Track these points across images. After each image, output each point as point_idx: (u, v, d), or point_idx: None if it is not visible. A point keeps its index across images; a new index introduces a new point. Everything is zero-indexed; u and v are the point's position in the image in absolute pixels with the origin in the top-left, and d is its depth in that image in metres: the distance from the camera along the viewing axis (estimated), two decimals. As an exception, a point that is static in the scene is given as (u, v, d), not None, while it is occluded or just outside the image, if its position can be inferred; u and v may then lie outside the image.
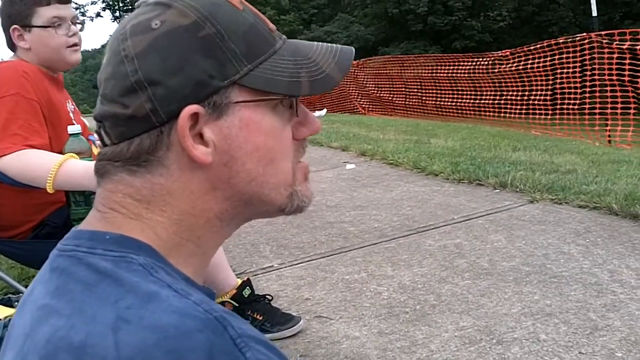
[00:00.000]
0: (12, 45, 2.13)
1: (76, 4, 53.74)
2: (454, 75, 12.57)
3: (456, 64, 12.62)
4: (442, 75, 13.06)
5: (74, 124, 2.12)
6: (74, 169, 1.79)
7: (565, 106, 9.85)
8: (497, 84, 11.39)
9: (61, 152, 1.94)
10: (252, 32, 0.69)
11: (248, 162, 0.69)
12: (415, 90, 14.33)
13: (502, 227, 3.50)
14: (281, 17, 46.96)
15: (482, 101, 11.62)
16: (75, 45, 2.14)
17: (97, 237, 0.66)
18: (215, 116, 0.66)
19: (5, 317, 1.89)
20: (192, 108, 0.65)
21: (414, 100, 14.24)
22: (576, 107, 9.55)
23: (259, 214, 0.75)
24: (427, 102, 13.62)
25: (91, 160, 1.89)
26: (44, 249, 2.07)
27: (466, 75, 12.21)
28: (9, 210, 2.09)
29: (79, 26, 2.16)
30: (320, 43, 0.78)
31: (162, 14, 0.66)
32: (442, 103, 12.96)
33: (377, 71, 16.10)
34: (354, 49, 0.80)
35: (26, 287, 2.73)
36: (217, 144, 0.67)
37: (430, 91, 13.58)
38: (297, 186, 0.75)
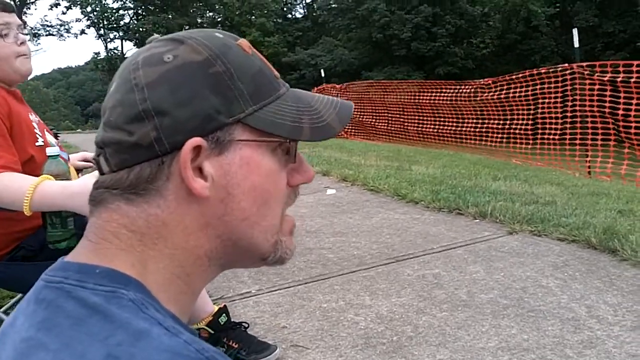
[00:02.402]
0: None
1: (61, 20, 53.63)
2: (437, 101, 12.68)
3: (439, 90, 12.74)
4: (424, 101, 13.16)
5: (37, 136, 2.09)
6: (49, 190, 1.76)
7: (546, 136, 9.94)
8: (479, 112, 11.50)
9: (28, 164, 1.92)
10: (259, 75, 0.71)
11: (244, 200, 0.70)
12: (398, 115, 14.42)
13: (481, 258, 3.50)
14: (265, 39, 47.27)
15: (464, 128, 11.72)
16: (24, 55, 2.08)
17: (87, 270, 0.64)
18: (217, 152, 0.67)
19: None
20: (196, 140, 0.65)
21: (396, 125, 14.33)
22: (557, 137, 9.64)
23: (242, 261, 0.75)
24: (409, 127, 13.70)
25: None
26: (20, 271, 2.04)
27: (448, 102, 12.32)
28: None
29: (27, 36, 2.11)
30: (321, 95, 0.80)
31: (175, 49, 0.68)
32: (424, 129, 13.05)
33: (360, 95, 16.18)
34: (353, 105, 0.82)
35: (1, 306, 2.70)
36: (215, 179, 0.67)
37: (413, 117, 13.68)
38: (282, 236, 0.76)
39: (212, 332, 2.32)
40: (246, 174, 0.69)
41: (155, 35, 0.74)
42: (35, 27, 53.14)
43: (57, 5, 53.58)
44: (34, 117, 2.17)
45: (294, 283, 3.28)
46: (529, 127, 10.23)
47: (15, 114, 2.01)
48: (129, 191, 0.67)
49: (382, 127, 14.80)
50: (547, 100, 9.91)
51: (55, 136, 2.32)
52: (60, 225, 1.85)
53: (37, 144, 2.07)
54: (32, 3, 53.73)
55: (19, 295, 2.62)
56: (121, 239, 0.67)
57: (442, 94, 12.52)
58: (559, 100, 9.71)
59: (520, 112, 10.50)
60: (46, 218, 1.85)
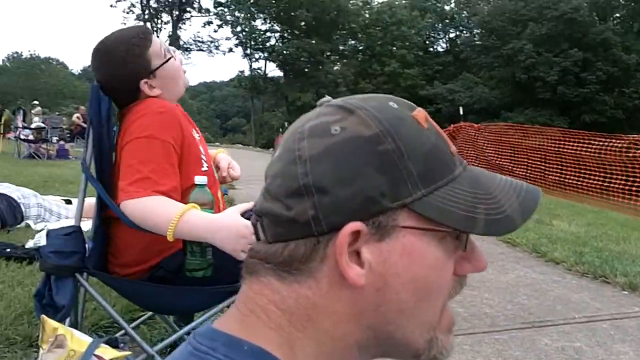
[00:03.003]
0: (131, 99, 2.12)
1: (212, 38, 56.69)
2: (582, 152, 12.00)
3: (585, 140, 12.07)
4: (568, 150, 12.51)
5: (203, 161, 2.14)
6: (194, 220, 1.79)
7: None
8: (630, 168, 10.73)
9: (186, 194, 1.95)
10: (432, 153, 0.63)
11: (402, 292, 0.63)
12: (538, 162, 13.81)
13: (630, 337, 3.20)
14: (405, 71, 47.43)
15: (611, 184, 10.98)
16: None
17: (235, 344, 0.61)
18: (378, 237, 0.61)
19: None
20: (356, 225, 0.60)
21: (535, 172, 13.71)
22: None
23: (392, 353, 0.68)
24: (549, 176, 13.08)
25: (212, 212, 1.88)
26: (156, 293, 2.08)
27: (596, 154, 11.62)
28: (131, 248, 2.11)
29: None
30: (502, 176, 0.70)
31: (344, 120, 0.63)
32: (566, 179, 12.39)
33: (498, 137, 15.69)
34: (540, 191, 0.71)
35: (131, 320, 2.77)
36: (373, 266, 0.61)
37: (554, 165, 13.04)
38: (440, 333, 0.67)
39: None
40: (408, 264, 0.62)
41: (327, 98, 0.70)
42: (188, 42, 56.69)
43: (209, 23, 56.98)
44: (196, 134, 2.23)
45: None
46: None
47: (187, 142, 2.08)
48: (281, 268, 0.63)
49: (521, 172, 14.21)
50: None
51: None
52: (200, 255, 1.89)
53: (202, 169, 2.12)
54: (188, 19, 57.34)
55: (150, 312, 2.68)
56: (270, 316, 0.63)
57: (589, 145, 11.85)
58: None
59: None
60: (187, 246, 1.89)
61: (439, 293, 0.65)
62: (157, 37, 2.19)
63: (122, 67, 2.06)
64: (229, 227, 1.76)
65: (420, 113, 0.66)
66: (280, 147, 0.66)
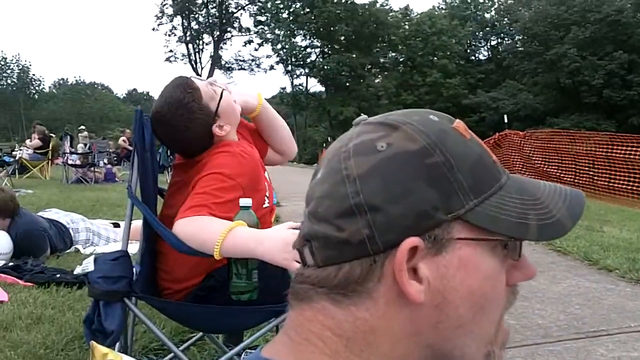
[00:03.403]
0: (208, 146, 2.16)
1: (253, 56, 57.46)
2: (632, 156, 11.71)
3: (634, 143, 11.78)
4: (617, 154, 12.22)
5: (265, 198, 2.18)
6: (241, 234, 1.80)
7: None
8: (681, 171, 10.44)
9: None
10: (479, 163, 0.63)
11: (461, 306, 0.61)
12: (587, 168, 13.52)
13: (690, 346, 3.09)
14: (447, 81, 47.15)
15: (663, 188, 10.69)
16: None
17: None
18: (434, 252, 0.60)
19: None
20: (414, 241, 0.59)
21: (584, 178, 13.42)
22: None
23: None
24: (598, 182, 12.79)
25: None
26: (202, 313, 2.10)
27: (646, 157, 11.33)
28: (182, 263, 2.13)
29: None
30: (545, 182, 0.70)
31: (388, 136, 0.62)
32: (615, 184, 12.10)
33: (544, 143, 15.42)
34: (584, 195, 0.70)
35: (180, 342, 2.81)
36: (431, 282, 0.60)
37: (603, 170, 12.76)
38: (496, 348, 0.66)
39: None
40: (464, 276, 0.61)
41: (363, 117, 0.69)
42: (229, 62, 57.55)
43: (250, 42, 57.68)
44: (267, 175, 2.27)
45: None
46: None
47: (256, 184, 2.11)
48: (336, 291, 0.61)
49: (568, 179, 13.92)
50: None
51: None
52: (246, 277, 1.88)
53: (264, 205, 2.16)
54: (229, 39, 58.18)
55: (200, 333, 2.70)
56: (325, 343, 0.62)
57: (639, 148, 11.56)
58: None
59: None
60: (232, 267, 1.89)
61: (496, 305, 0.65)
62: (199, 75, 2.24)
63: (191, 130, 2.10)
64: (274, 236, 1.77)
65: (460, 124, 0.66)
66: (322, 169, 0.65)
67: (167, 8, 55.66)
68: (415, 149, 0.61)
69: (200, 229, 1.87)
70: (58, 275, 4.18)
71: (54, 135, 16.13)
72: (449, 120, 0.66)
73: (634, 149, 11.69)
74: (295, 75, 54.37)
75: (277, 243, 1.74)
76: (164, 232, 1.97)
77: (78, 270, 4.31)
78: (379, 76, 53.24)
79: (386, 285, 0.60)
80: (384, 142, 0.62)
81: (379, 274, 0.60)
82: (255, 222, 1.91)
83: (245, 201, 1.92)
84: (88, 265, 2.23)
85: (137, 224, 2.32)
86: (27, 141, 16.41)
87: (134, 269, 2.16)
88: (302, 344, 0.63)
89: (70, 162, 14.90)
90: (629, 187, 11.58)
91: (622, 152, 12.04)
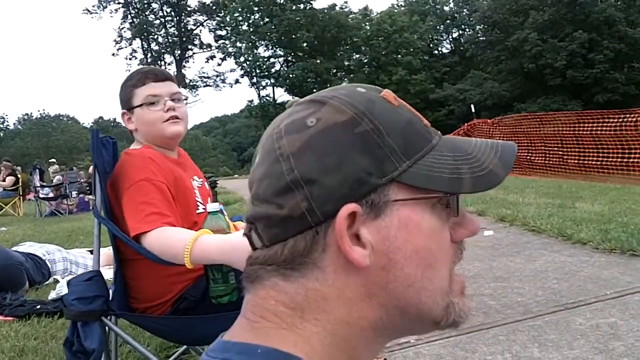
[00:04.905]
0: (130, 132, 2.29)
1: (216, 72, 57.19)
2: (599, 132, 11.91)
3: (600, 120, 11.98)
4: (585, 132, 12.42)
5: (198, 203, 2.18)
6: (207, 244, 1.80)
7: None
8: (647, 141, 10.63)
9: (191, 228, 1.98)
10: (409, 127, 0.65)
11: (407, 265, 0.63)
12: (556, 148, 13.71)
13: (664, 306, 3.16)
14: (412, 77, 47.36)
15: (631, 160, 10.87)
16: (173, 118, 2.20)
17: (248, 350, 0.62)
18: (373, 216, 0.62)
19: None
20: (350, 207, 0.61)
21: (554, 159, 13.62)
22: None
23: (412, 328, 0.69)
24: (568, 160, 12.97)
25: None
26: (182, 325, 2.10)
27: (612, 132, 11.52)
28: (150, 283, 2.15)
29: (177, 102, 2.23)
30: (477, 139, 0.72)
31: (317, 111, 0.64)
32: (585, 162, 12.28)
33: (513, 129, 15.62)
34: (516, 145, 0.73)
35: (166, 358, 2.81)
36: (374, 245, 0.62)
37: (572, 149, 12.94)
38: (454, 298, 0.68)
39: (373, 386, 2.25)
40: (407, 236, 0.63)
41: (295, 99, 0.71)
42: (194, 80, 57.31)
43: (212, 57, 57.81)
44: (196, 183, 2.28)
45: (455, 333, 3.12)
46: None
47: (181, 183, 2.14)
48: (284, 266, 0.63)
49: (539, 161, 14.13)
50: None
51: (214, 184, 2.43)
52: (222, 280, 1.88)
53: (197, 211, 2.17)
54: (190, 57, 58.00)
55: (185, 347, 2.70)
56: (281, 317, 0.63)
57: (605, 124, 11.75)
58: None
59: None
60: (208, 273, 1.90)
61: (443, 260, 0.67)
62: (174, 82, 2.28)
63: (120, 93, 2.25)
64: (240, 245, 1.78)
65: (388, 93, 0.68)
66: (259, 152, 0.67)
67: (125, 32, 55.46)
68: (343, 120, 0.63)
69: (169, 244, 1.88)
70: (38, 307, 4.13)
71: (19, 171, 15.94)
72: (376, 90, 0.69)
73: (600, 125, 11.89)
74: (261, 87, 54.21)
75: (245, 253, 1.74)
76: (136, 246, 1.97)
77: (52, 295, 4.29)
78: (345, 79, 53.32)
79: (331, 253, 0.62)
80: (313, 118, 0.64)
81: (322, 244, 0.62)
82: (224, 225, 1.92)
83: (212, 206, 1.94)
84: (62, 289, 2.22)
85: (111, 252, 2.33)
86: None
87: (110, 291, 2.17)
88: (259, 322, 0.64)
89: (42, 195, 14.74)
90: (599, 163, 11.76)
91: (589, 129, 12.24)
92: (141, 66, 2.38)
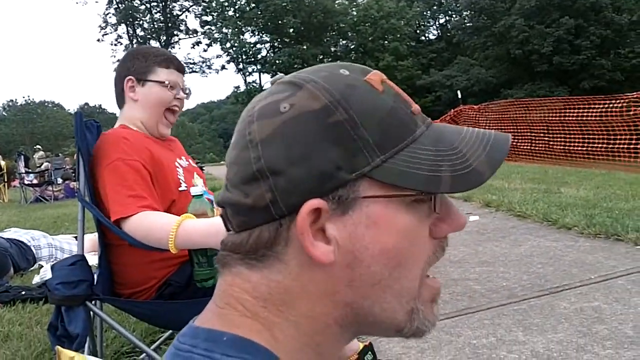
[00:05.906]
0: (121, 99, 2.25)
1: (203, 57, 56.89)
2: (584, 118, 11.97)
3: (586, 106, 12.04)
4: (571, 118, 12.49)
5: (180, 181, 2.17)
6: (192, 228, 1.80)
7: None
8: (632, 127, 10.69)
9: (170, 208, 2.00)
10: (389, 117, 0.61)
11: (374, 264, 0.61)
12: (542, 134, 13.78)
13: (647, 290, 3.19)
14: (399, 63, 47.28)
15: (616, 145, 10.94)
16: (174, 109, 2.25)
17: (214, 337, 0.61)
18: (340, 212, 0.59)
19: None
20: (314, 203, 0.58)
21: (540, 144, 13.70)
22: None
23: (375, 330, 0.66)
24: (554, 146, 13.05)
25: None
26: (167, 310, 2.09)
27: (598, 117, 11.59)
28: (134, 269, 2.14)
29: (186, 95, 2.29)
30: (470, 128, 0.68)
31: (293, 95, 0.61)
32: (571, 148, 12.36)
33: (499, 115, 15.68)
34: (510, 137, 0.68)
35: (152, 343, 2.80)
36: (340, 242, 0.60)
37: (558, 135, 13.01)
38: (420, 304, 0.65)
39: (359, 370, 2.26)
40: (375, 235, 0.60)
41: (280, 75, 0.68)
42: (180, 66, 56.81)
43: (198, 43, 57.37)
44: (182, 162, 2.26)
45: (440, 317, 3.14)
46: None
47: (157, 160, 2.11)
48: (249, 256, 0.62)
49: (525, 147, 14.20)
50: None
51: (200, 169, 2.41)
52: (207, 264, 1.88)
53: (180, 189, 2.15)
54: (176, 43, 57.57)
55: (170, 331, 2.70)
56: (245, 306, 0.62)
57: (591, 110, 11.82)
58: None
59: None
60: (192, 257, 1.90)
61: (414, 260, 0.64)
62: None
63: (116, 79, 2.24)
64: (224, 229, 1.77)
65: (374, 76, 0.64)
66: (234, 134, 0.65)
67: (110, 17, 55.01)
68: (316, 108, 0.60)
69: (153, 229, 1.87)
70: (23, 293, 4.13)
71: (1, 158, 15.82)
72: (362, 72, 0.65)
73: (586, 110, 11.95)
74: (247, 73, 54.14)
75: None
76: (120, 232, 1.96)
77: (36, 279, 4.27)
78: (332, 65, 53.16)
79: (294, 248, 0.60)
80: (287, 103, 0.61)
81: (285, 238, 0.60)
82: (208, 208, 1.92)
83: (196, 189, 1.93)
84: (46, 274, 2.20)
85: (96, 237, 2.31)
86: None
87: (95, 275, 2.15)
88: (225, 308, 0.63)
89: (27, 182, 14.64)
90: (584, 149, 11.83)
91: (575, 114, 12.30)
92: (158, 47, 2.41)
